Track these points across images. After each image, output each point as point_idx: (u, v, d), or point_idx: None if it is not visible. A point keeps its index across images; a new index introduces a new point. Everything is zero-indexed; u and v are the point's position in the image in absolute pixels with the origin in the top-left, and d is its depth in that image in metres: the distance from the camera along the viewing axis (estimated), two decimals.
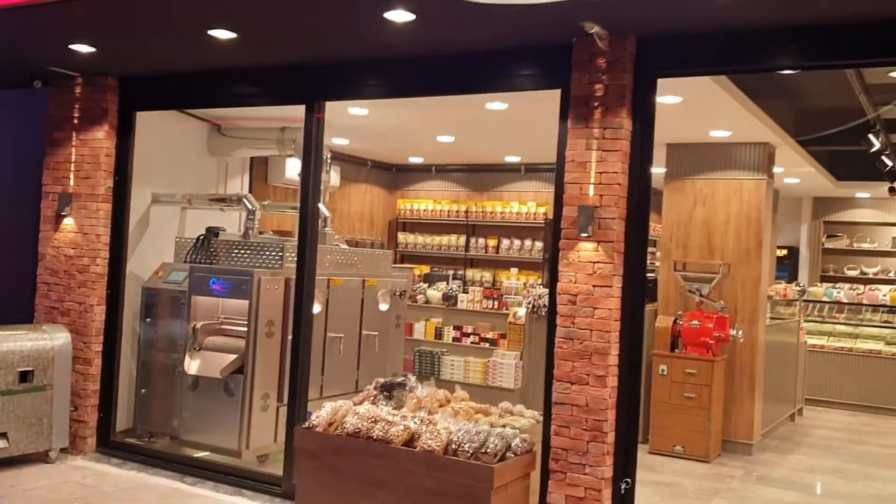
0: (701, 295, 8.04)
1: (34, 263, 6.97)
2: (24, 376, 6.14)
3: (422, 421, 4.89)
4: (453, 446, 4.62)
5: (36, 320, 6.88)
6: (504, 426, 5.09)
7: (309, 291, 5.95)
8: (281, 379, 6.56)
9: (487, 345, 9.11)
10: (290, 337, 6.51)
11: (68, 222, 6.79)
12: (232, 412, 6.37)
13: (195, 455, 6.50)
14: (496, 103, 6.78)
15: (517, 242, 10.92)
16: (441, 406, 5.58)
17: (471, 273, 11.18)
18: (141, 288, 6.98)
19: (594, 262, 4.69)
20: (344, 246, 7.81)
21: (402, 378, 5.83)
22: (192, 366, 6.52)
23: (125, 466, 6.36)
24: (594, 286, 4.68)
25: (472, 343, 9.19)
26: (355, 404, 5.39)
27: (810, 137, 8.53)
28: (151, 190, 7.26)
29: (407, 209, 11.74)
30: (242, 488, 5.94)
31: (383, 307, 7.75)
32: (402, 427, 4.78)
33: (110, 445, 6.65)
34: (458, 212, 11.30)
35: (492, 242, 11.11)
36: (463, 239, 11.27)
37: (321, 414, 5.06)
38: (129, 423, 6.98)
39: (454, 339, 9.31)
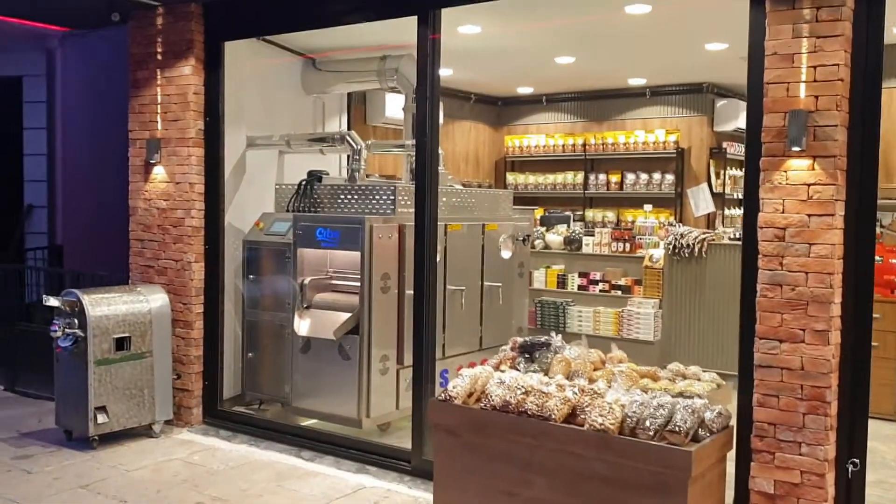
0: (881, 226, 6.79)
1: (125, 218, 6.35)
2: (121, 343, 5.54)
3: (582, 391, 3.98)
4: (629, 423, 3.71)
5: (131, 280, 6.29)
6: (680, 394, 4.14)
7: (432, 238, 5.09)
8: (400, 339, 5.79)
9: (619, 293, 8.12)
10: (407, 292, 5.73)
11: (158, 171, 6.11)
12: (348, 377, 5.63)
13: (310, 424, 5.82)
14: (637, 5, 5.67)
15: (644, 176, 9.76)
16: (595, 369, 4.66)
17: (590, 213, 10.12)
18: (241, 241, 6.28)
19: (809, 185, 3.62)
20: (459, 186, 6.92)
21: (545, 337, 4.94)
22: (301, 326, 5.80)
23: (235, 440, 5.74)
24: (810, 215, 3.63)
25: (601, 291, 8.22)
26: (494, 369, 4.53)
27: None
28: (246, 133, 6.51)
29: (515, 146, 10.72)
30: (366, 464, 5.21)
31: (505, 254, 6.85)
32: (560, 399, 3.89)
33: (218, 416, 6.04)
34: (573, 146, 10.20)
35: (614, 178, 9.99)
36: (581, 176, 10.19)
37: (458, 383, 4.21)
38: (237, 390, 6.36)
39: (580, 287, 8.35)
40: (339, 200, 6.04)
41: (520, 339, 4.97)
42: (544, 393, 3.95)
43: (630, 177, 9.87)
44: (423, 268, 5.08)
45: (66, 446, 5.52)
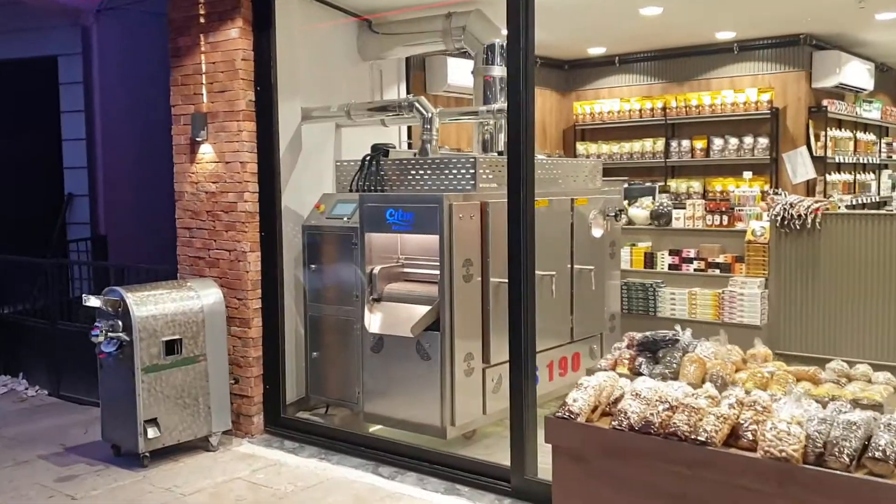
0: None
1: (173, 205, 5.68)
2: (171, 347, 4.88)
3: (740, 403, 3.17)
4: (814, 447, 2.89)
5: (179, 274, 5.62)
6: (855, 402, 3.31)
7: (529, 212, 4.30)
8: (485, 334, 5.04)
9: (718, 271, 7.24)
10: (492, 279, 4.97)
11: (206, 150, 5.42)
12: (429, 379, 4.90)
13: (378, 431, 5.09)
14: None
15: (733, 141, 8.82)
16: (737, 370, 3.85)
17: (673, 183, 9.22)
18: (301, 227, 5.56)
19: None
20: (541, 157, 6.11)
21: (670, 332, 4.13)
22: (372, 322, 5.07)
23: (302, 452, 5.05)
24: None
25: (695, 270, 7.34)
26: (619, 374, 3.75)
27: None
28: (300, 104, 5.77)
29: (586, 113, 9.84)
30: (456, 483, 4.48)
31: (596, 233, 6.05)
32: (717, 417, 3.08)
33: (281, 424, 5.37)
34: (652, 110, 9.29)
35: (699, 144, 9.07)
36: (661, 143, 9.28)
37: (579, 396, 3.43)
38: (300, 393, 5.68)
39: (671, 266, 7.49)
40: (410, 177, 5.28)
41: (638, 335, 4.17)
42: (695, 408, 3.15)
43: (717, 142, 8.94)
44: (520, 248, 4.28)
45: (114, 464, 4.90)
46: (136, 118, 8.41)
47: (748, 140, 8.73)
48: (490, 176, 5.09)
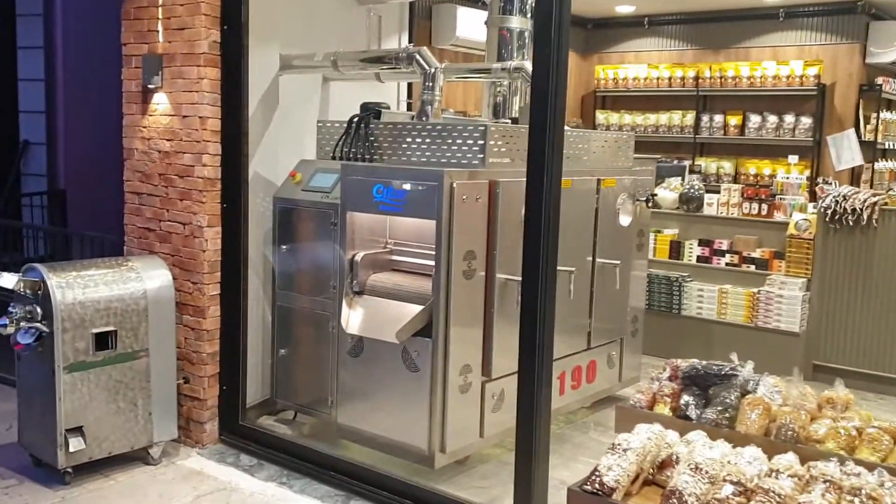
0: None
1: (119, 165, 4.76)
2: (104, 340, 4.00)
3: (838, 488, 2.31)
4: None
5: (126, 247, 4.72)
6: None
7: (554, 196, 3.38)
8: (487, 342, 4.16)
9: (753, 267, 6.37)
10: (498, 276, 4.09)
11: (160, 100, 4.48)
12: (416, 395, 4.03)
13: (363, 459, 4.23)
14: None
15: (772, 119, 7.88)
16: (812, 419, 2.99)
17: (702, 162, 8.29)
18: (272, 199, 4.65)
19: None
20: (566, 128, 5.17)
21: (727, 364, 3.28)
22: (351, 320, 4.18)
23: (259, 472, 4.20)
24: None
25: (728, 264, 6.48)
26: (660, 415, 2.89)
27: None
28: (279, 51, 4.82)
29: (609, 79, 8.87)
30: None
31: (624, 220, 5.16)
32: None
33: (238, 432, 4.50)
34: (683, 79, 8.33)
35: (734, 120, 8.12)
36: (691, 116, 8.33)
37: (617, 463, 2.57)
38: (264, 394, 4.82)
39: (700, 258, 6.62)
40: (406, 145, 4.36)
41: (684, 365, 3.33)
42: (777, 496, 2.29)
43: (754, 119, 8.00)
44: (541, 242, 3.36)
45: (30, 477, 4.04)
46: (103, 57, 7.40)
47: (789, 119, 7.79)
48: (503, 149, 4.18)
